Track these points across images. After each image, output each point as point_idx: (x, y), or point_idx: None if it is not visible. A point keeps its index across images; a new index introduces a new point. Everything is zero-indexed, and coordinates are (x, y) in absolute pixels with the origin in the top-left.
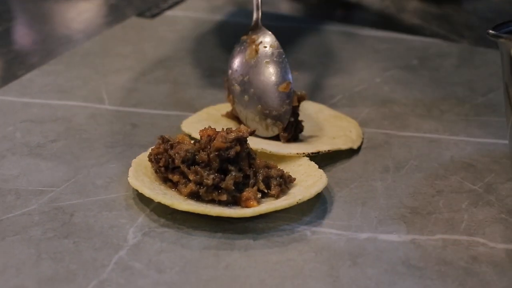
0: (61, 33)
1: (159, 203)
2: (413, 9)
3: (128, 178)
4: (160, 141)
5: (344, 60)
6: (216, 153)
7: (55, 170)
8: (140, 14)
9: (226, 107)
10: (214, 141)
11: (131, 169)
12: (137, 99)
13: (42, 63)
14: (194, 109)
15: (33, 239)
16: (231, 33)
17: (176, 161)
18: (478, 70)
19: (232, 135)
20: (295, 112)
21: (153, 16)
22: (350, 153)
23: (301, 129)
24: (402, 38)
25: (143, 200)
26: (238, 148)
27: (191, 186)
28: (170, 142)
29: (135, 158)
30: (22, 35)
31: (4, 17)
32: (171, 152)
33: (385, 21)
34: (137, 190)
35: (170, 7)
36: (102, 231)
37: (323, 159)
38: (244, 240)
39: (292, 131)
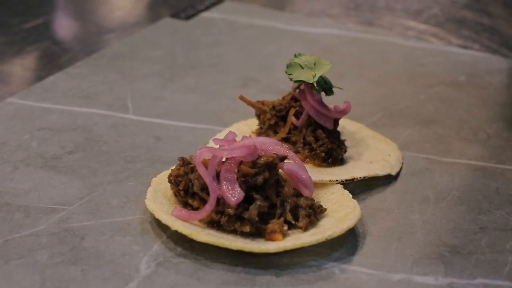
0: (92, 31)
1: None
2: (462, 19)
3: (146, 200)
4: (181, 163)
5: (387, 73)
6: (242, 179)
7: (69, 186)
8: (175, 15)
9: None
10: (241, 166)
11: (149, 189)
12: (163, 108)
13: (68, 64)
14: (223, 123)
15: (38, 264)
16: (268, 39)
17: (195, 187)
18: None
19: (262, 160)
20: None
21: (188, 17)
22: (388, 179)
23: (345, 150)
24: (450, 51)
25: (160, 225)
26: (266, 174)
27: (211, 215)
28: (191, 165)
29: (155, 175)
30: (53, 32)
31: (35, 12)
32: (191, 176)
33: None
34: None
35: (206, 8)
36: (113, 258)
37: (358, 185)
38: (266, 276)
39: (333, 155)
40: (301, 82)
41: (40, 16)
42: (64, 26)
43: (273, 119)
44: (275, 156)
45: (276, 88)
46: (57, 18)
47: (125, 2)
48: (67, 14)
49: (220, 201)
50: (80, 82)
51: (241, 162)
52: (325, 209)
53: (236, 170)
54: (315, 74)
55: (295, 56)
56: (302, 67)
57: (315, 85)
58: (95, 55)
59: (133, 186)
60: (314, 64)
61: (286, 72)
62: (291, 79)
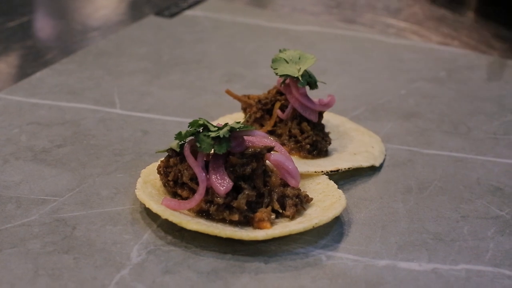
0: (76, 29)
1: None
2: (441, 17)
3: (136, 190)
4: (170, 154)
5: (369, 69)
6: (231, 169)
7: (59, 178)
8: (159, 13)
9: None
10: (229, 156)
11: (139, 180)
12: (149, 104)
13: (54, 61)
14: (210, 117)
15: (31, 253)
16: (251, 36)
17: (184, 177)
18: (509, 84)
19: (249, 151)
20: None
21: (172, 15)
22: (372, 170)
23: (330, 142)
24: (430, 47)
25: (150, 214)
26: (254, 164)
27: (201, 204)
28: (180, 156)
29: (144, 167)
30: (37, 30)
31: (20, 11)
32: (180, 166)
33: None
34: (144, 204)
35: (190, 6)
36: (104, 247)
37: (343, 176)
38: (255, 263)
39: (318, 147)
40: (286, 76)
41: (25, 14)
42: (48, 24)
43: (259, 112)
44: (262, 147)
45: (261, 84)
46: (42, 16)
47: (108, 1)
48: (51, 13)
49: (209, 191)
50: (67, 78)
51: (229, 153)
52: (311, 199)
53: (224, 160)
54: (300, 68)
55: (280, 51)
56: (287, 62)
57: (300, 78)
58: (81, 52)
59: (122, 178)
60: (299, 58)
61: (271, 67)
62: (276, 74)
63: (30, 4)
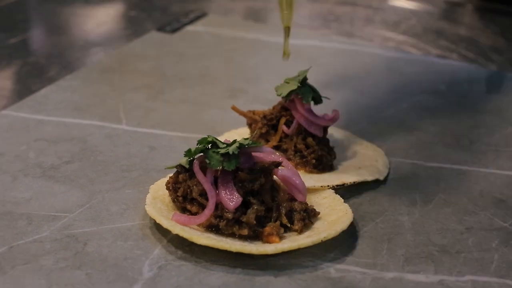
0: (78, 45)
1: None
2: (440, 29)
3: (145, 206)
4: (179, 170)
5: (370, 83)
6: (240, 184)
7: (68, 194)
8: (160, 29)
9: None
10: (238, 172)
11: (148, 196)
12: (155, 119)
13: (58, 77)
14: (215, 132)
15: (44, 268)
16: (252, 51)
17: (194, 193)
18: (508, 96)
19: (258, 166)
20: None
21: (174, 31)
22: (376, 184)
23: (335, 156)
24: (430, 61)
25: (160, 230)
26: (263, 180)
27: (210, 219)
28: (189, 172)
29: (152, 183)
30: (39, 46)
31: (21, 27)
32: (190, 182)
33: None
34: (154, 219)
35: (191, 21)
36: (116, 262)
37: (348, 190)
38: (265, 277)
39: (323, 162)
40: (289, 93)
41: (26, 31)
42: (50, 40)
43: (264, 128)
44: (270, 162)
45: (264, 98)
46: (43, 32)
47: (110, 16)
48: (53, 29)
49: (219, 206)
50: (72, 94)
51: (237, 169)
52: (318, 213)
53: (233, 176)
54: (299, 79)
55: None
56: (287, 83)
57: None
58: (84, 68)
59: (130, 193)
60: (298, 75)
61: (277, 94)
62: (280, 95)
63: (31, 20)
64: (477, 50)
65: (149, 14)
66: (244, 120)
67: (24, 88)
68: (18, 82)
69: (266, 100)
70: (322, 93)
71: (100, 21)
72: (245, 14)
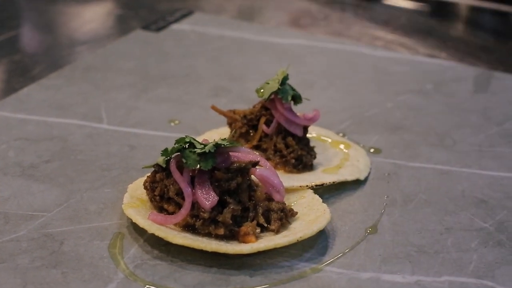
0: (64, 44)
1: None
2: (429, 28)
3: (123, 205)
4: (156, 169)
5: (355, 82)
6: (216, 184)
7: (47, 193)
8: (146, 27)
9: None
10: (215, 171)
11: (126, 195)
12: (136, 118)
13: (41, 76)
14: (196, 132)
15: (20, 267)
16: (238, 50)
17: (171, 192)
18: (495, 96)
19: (235, 166)
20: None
21: (159, 29)
22: (357, 183)
23: (314, 156)
24: (417, 60)
25: (137, 229)
26: (239, 179)
27: (187, 219)
28: (166, 171)
29: (131, 182)
30: (25, 44)
31: (7, 25)
32: (167, 182)
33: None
34: (131, 219)
35: (176, 20)
36: (92, 261)
37: (328, 190)
38: (240, 277)
39: (303, 161)
40: (270, 94)
41: (11, 29)
42: (35, 38)
43: (244, 127)
44: (247, 162)
45: (247, 97)
46: (29, 31)
47: (96, 15)
48: (39, 27)
49: (195, 205)
50: (54, 93)
51: (214, 168)
52: (296, 213)
53: (209, 175)
54: (279, 80)
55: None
56: (268, 83)
57: (280, 87)
58: (68, 66)
59: (109, 193)
60: (277, 75)
61: (258, 96)
62: (261, 96)
63: (18, 18)
64: (466, 49)
65: (136, 12)
66: (225, 120)
67: (8, 86)
68: (1, 81)
69: (249, 99)
70: (307, 92)
71: (87, 19)
72: (238, 12)
